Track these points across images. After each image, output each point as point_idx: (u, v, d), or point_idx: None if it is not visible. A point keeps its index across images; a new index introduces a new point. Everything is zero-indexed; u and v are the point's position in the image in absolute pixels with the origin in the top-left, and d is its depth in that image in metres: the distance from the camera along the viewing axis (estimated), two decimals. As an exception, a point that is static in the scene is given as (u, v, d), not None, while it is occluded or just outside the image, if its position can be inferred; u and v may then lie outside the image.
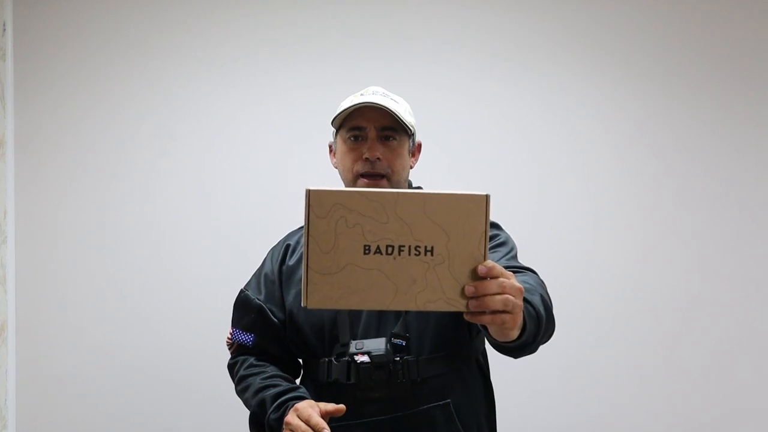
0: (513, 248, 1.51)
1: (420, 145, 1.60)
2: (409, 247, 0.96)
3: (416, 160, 1.59)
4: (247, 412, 1.51)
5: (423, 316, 1.45)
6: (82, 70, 2.44)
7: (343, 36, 2.47)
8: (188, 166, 2.44)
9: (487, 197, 0.96)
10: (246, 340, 1.54)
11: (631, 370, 2.43)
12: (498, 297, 0.96)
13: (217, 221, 2.43)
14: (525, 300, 1.10)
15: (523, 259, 1.63)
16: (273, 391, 1.43)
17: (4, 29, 2.41)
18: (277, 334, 1.53)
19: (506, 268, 1.12)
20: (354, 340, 1.43)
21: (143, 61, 2.45)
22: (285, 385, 1.45)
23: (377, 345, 1.41)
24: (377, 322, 1.46)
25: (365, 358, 1.39)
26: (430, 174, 1.85)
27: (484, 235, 0.96)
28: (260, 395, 1.44)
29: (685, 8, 2.51)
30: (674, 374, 2.43)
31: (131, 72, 2.45)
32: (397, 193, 0.96)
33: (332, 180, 1.62)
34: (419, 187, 1.66)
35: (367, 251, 0.96)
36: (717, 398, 2.43)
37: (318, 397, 1.42)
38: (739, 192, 2.48)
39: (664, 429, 2.42)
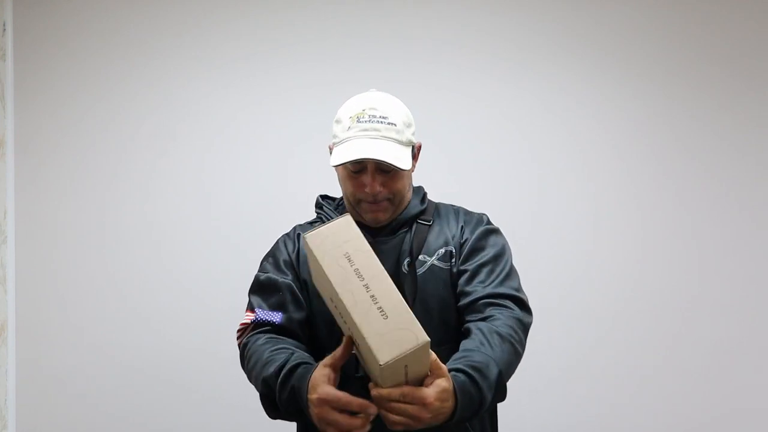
0: (504, 267, 1.50)
1: (420, 147, 1.59)
2: (347, 327, 1.18)
3: (416, 161, 1.59)
4: (247, 410, 1.50)
5: (427, 310, 1.47)
6: (82, 70, 2.44)
7: (343, 36, 2.47)
8: (188, 166, 2.44)
9: (380, 368, 1.10)
10: (273, 318, 1.48)
11: (631, 370, 2.43)
12: (384, 412, 1.18)
13: (217, 221, 2.43)
14: (474, 382, 1.24)
15: (522, 260, 1.65)
16: (272, 368, 1.35)
17: (4, 29, 2.41)
18: (305, 313, 1.51)
19: (484, 300, 1.43)
20: None
21: (143, 61, 2.45)
22: (283, 357, 1.37)
23: None
24: None
25: None
26: (431, 174, 1.86)
27: (379, 377, 1.14)
28: (263, 372, 1.37)
29: (686, 8, 2.51)
30: (674, 374, 2.43)
31: (131, 72, 2.45)
32: (342, 313, 1.14)
33: (332, 180, 1.62)
34: (420, 187, 1.66)
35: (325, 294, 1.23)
36: (717, 398, 2.43)
37: None
38: (739, 192, 2.48)
39: (664, 429, 2.43)
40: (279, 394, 1.31)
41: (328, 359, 1.23)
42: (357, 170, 1.49)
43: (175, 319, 2.40)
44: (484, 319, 1.39)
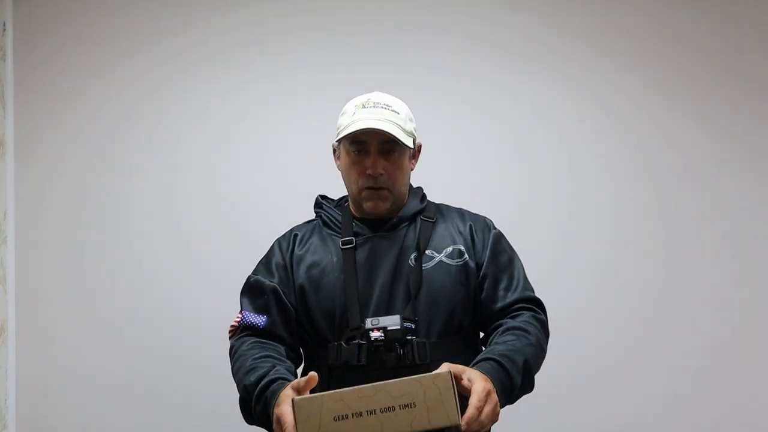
0: (520, 271, 1.62)
1: (420, 147, 1.64)
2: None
3: (416, 161, 1.64)
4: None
5: (433, 302, 1.52)
6: (83, 70, 2.44)
7: (346, 39, 2.47)
8: (189, 166, 2.44)
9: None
10: (258, 321, 1.55)
11: (627, 370, 2.44)
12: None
13: (219, 222, 2.42)
14: (502, 366, 1.37)
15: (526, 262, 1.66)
16: (257, 374, 1.44)
17: (4, 29, 2.41)
18: (289, 317, 1.57)
19: (512, 306, 1.54)
20: (367, 318, 1.47)
21: (144, 61, 2.45)
22: (266, 367, 1.45)
23: (393, 321, 1.45)
24: (386, 307, 1.51)
25: (379, 334, 1.43)
26: (433, 176, 1.87)
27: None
28: (245, 379, 1.45)
29: (689, 8, 2.51)
30: (674, 375, 2.44)
31: (131, 72, 2.45)
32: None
33: (333, 182, 1.63)
34: (419, 188, 1.68)
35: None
36: (721, 399, 2.43)
37: (327, 381, 1.47)
38: (747, 192, 2.50)
39: (662, 429, 2.43)
40: (254, 403, 1.40)
41: (295, 383, 1.31)
42: (360, 150, 1.53)
43: (176, 319, 2.39)
44: (511, 319, 1.53)
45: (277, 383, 1.37)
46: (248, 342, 1.53)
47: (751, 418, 2.44)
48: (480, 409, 1.24)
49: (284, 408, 1.28)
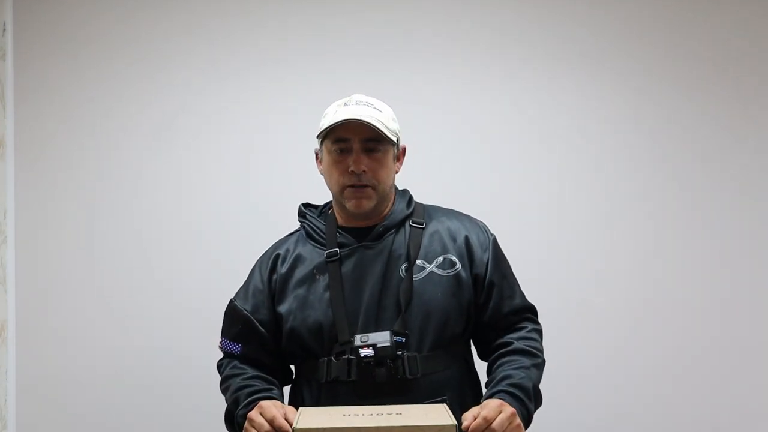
0: (514, 278, 1.62)
1: (405, 150, 1.61)
2: None
3: (401, 164, 1.61)
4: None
5: (424, 315, 1.49)
6: (82, 70, 2.44)
7: (337, 42, 2.45)
8: (189, 166, 2.44)
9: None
10: (234, 349, 1.59)
11: (622, 371, 2.42)
12: None
13: (219, 223, 2.42)
14: (516, 397, 1.40)
15: (523, 261, 1.66)
16: (248, 390, 1.48)
17: (4, 29, 2.41)
18: (264, 343, 1.57)
19: (512, 315, 1.56)
20: (356, 335, 1.46)
21: (143, 61, 2.45)
22: (260, 385, 1.50)
23: (382, 338, 1.43)
24: (375, 321, 1.48)
25: (369, 351, 1.42)
26: (420, 174, 1.84)
27: None
28: (236, 394, 1.49)
29: (695, 6, 2.48)
30: (673, 375, 2.42)
31: (131, 72, 2.44)
32: None
33: (320, 187, 1.61)
34: (406, 190, 1.65)
35: None
36: (727, 399, 2.42)
37: (317, 396, 1.48)
38: (751, 191, 2.47)
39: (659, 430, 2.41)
40: (241, 407, 1.45)
41: (282, 409, 1.37)
42: (342, 149, 1.50)
43: (176, 320, 2.39)
44: (514, 331, 1.56)
45: (267, 399, 1.43)
46: (231, 365, 1.59)
47: (743, 417, 2.42)
48: (488, 419, 1.29)
49: (266, 402, 1.38)
